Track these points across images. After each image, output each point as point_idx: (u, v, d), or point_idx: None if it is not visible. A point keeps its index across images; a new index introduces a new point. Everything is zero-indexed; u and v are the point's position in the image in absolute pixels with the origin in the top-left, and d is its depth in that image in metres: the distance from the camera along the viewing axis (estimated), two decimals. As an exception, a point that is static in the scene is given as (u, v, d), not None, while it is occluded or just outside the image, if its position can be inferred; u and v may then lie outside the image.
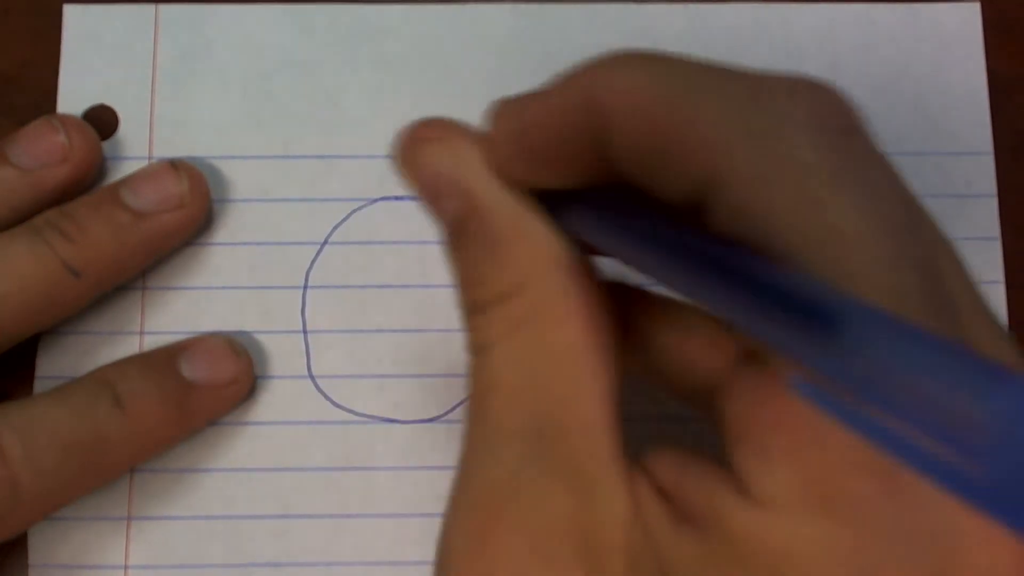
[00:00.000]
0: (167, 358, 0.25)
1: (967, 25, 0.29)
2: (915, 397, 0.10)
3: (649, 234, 0.16)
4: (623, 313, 0.20)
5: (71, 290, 0.24)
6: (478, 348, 0.18)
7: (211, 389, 0.25)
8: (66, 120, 0.26)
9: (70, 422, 0.23)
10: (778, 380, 0.14)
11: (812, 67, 0.29)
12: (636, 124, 0.15)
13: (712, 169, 0.15)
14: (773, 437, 0.14)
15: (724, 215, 0.15)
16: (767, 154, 0.14)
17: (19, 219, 0.25)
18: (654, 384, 0.21)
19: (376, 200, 0.28)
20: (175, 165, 0.26)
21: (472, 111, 0.28)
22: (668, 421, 0.24)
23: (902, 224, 0.14)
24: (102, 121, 0.28)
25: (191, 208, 0.26)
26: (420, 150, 0.19)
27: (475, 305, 0.18)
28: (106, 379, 0.24)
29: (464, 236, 0.18)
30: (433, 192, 0.19)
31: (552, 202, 0.18)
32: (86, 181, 0.26)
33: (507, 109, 0.18)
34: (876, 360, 0.11)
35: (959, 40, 0.29)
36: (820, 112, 0.15)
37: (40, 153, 0.25)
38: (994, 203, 0.28)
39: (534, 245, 0.18)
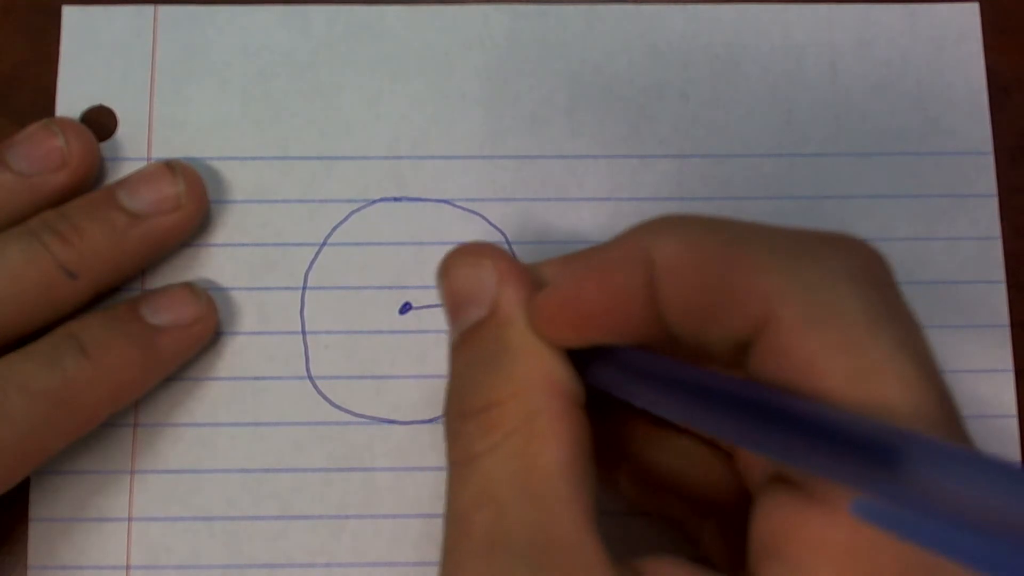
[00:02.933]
0: (129, 307, 0.25)
1: (966, 25, 0.29)
2: (978, 511, 0.12)
3: (689, 384, 0.17)
4: (639, 449, 0.22)
5: (68, 292, 0.24)
6: (462, 459, 0.18)
7: (176, 330, 0.25)
8: (64, 124, 0.26)
9: (38, 372, 0.23)
10: (812, 499, 0.16)
11: (812, 67, 0.29)
12: (688, 278, 0.17)
13: (764, 314, 0.16)
14: (812, 555, 0.15)
15: (768, 358, 0.16)
16: (816, 301, 0.16)
17: (17, 224, 0.25)
18: (651, 509, 0.22)
19: (375, 201, 0.28)
20: (171, 166, 0.26)
21: (471, 112, 0.28)
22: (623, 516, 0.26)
23: (926, 359, 0.16)
24: (100, 122, 0.28)
25: (188, 210, 0.26)
26: (463, 261, 0.20)
27: (465, 412, 0.19)
28: (70, 332, 0.24)
29: (474, 339, 0.19)
30: (461, 299, 0.20)
31: (578, 357, 0.19)
32: (84, 185, 0.26)
33: (559, 274, 0.19)
34: (940, 483, 0.12)
35: (958, 40, 0.29)
36: (861, 265, 0.17)
37: (38, 158, 0.25)
38: (994, 203, 0.28)
39: (537, 362, 0.19)
